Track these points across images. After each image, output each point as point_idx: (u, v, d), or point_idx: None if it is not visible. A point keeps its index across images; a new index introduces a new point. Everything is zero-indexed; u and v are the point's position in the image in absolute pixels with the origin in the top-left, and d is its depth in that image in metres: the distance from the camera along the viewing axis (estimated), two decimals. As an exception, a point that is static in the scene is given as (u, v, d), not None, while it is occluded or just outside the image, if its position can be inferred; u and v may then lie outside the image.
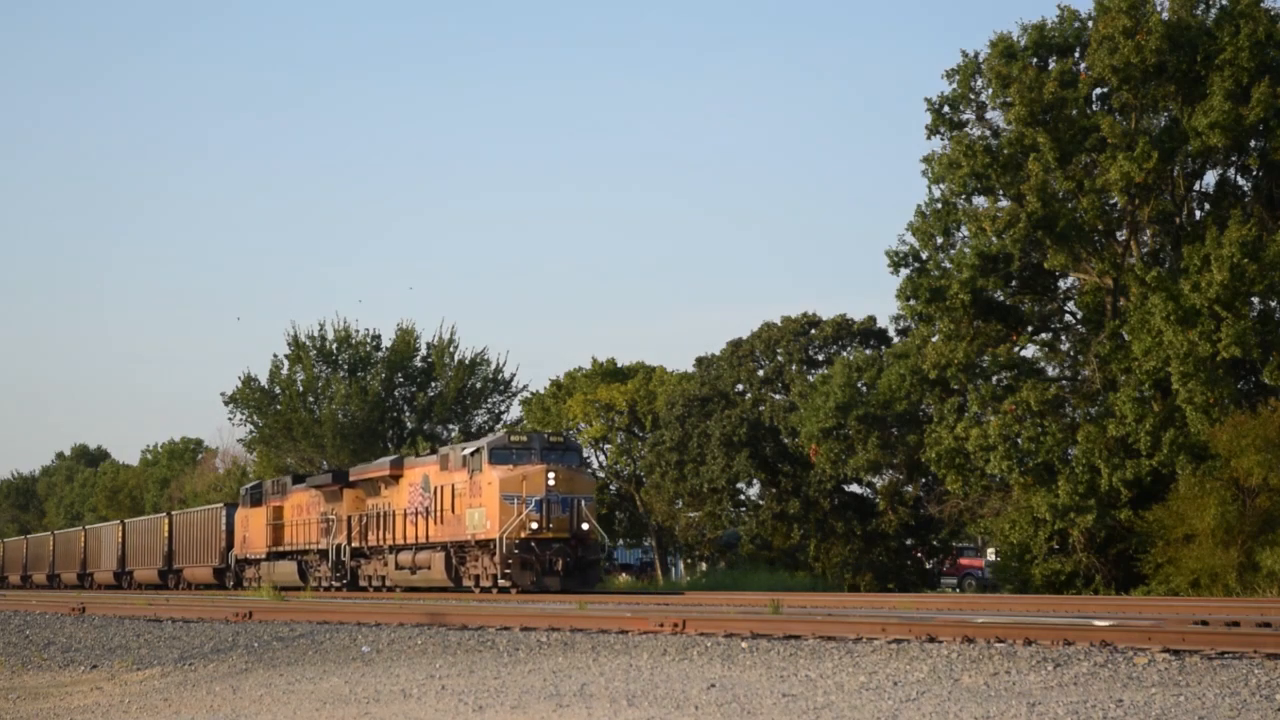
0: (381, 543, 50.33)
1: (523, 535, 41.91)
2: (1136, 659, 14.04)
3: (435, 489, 46.24)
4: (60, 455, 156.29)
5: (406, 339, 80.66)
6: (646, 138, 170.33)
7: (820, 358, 66.90)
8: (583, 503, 42.71)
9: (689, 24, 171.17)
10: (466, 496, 44.09)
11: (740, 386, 66.30)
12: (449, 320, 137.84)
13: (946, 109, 47.59)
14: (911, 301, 47.45)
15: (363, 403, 77.93)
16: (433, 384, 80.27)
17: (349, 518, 52.66)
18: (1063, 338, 50.15)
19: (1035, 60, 45.86)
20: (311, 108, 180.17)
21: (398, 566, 48.55)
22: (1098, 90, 45.85)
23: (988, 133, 47.32)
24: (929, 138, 48.00)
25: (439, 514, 45.93)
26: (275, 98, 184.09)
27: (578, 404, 73.03)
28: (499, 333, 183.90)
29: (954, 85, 47.45)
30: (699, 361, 71.77)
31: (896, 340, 60.25)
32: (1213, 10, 44.75)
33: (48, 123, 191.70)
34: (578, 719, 12.14)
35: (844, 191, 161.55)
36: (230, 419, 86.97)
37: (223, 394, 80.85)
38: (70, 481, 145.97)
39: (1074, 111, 45.03)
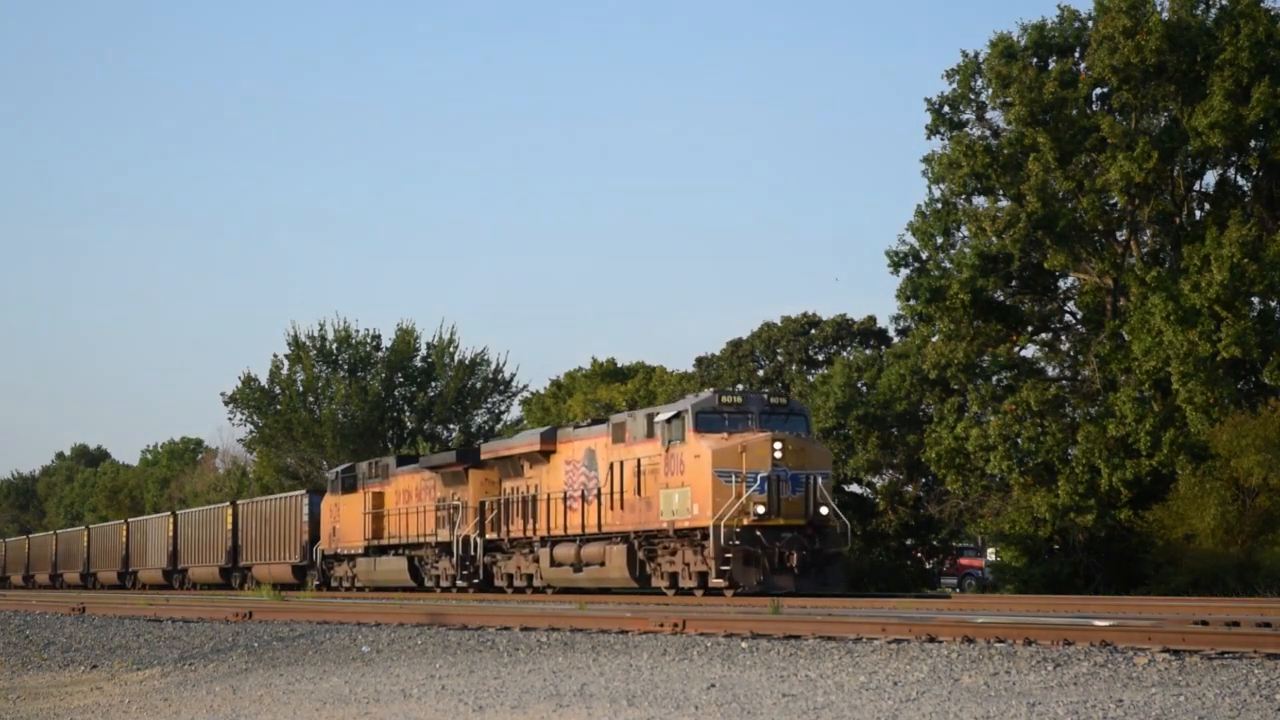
0: (528, 533, 42.43)
1: (745, 522, 33.99)
2: (1136, 659, 14.04)
3: (609, 466, 38.37)
4: (60, 455, 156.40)
5: (406, 339, 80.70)
6: (646, 137, 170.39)
7: (820, 358, 66.88)
8: (819, 480, 34.79)
9: (689, 24, 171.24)
10: (659, 474, 36.20)
11: (740, 386, 66.26)
12: (449, 320, 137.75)
13: (946, 109, 47.58)
14: (911, 301, 47.45)
15: (363, 403, 77.96)
16: (433, 384, 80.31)
17: (481, 503, 44.50)
18: (1063, 338, 50.15)
19: (1035, 60, 45.85)
20: (311, 106, 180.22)
21: (554, 563, 40.57)
22: (1098, 90, 45.84)
23: (988, 133, 47.32)
24: (929, 138, 48.03)
25: (616, 497, 37.96)
26: (275, 97, 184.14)
27: (578, 404, 73.03)
28: (499, 333, 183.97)
29: (954, 85, 47.44)
30: (699, 361, 71.77)
31: (896, 340, 60.22)
32: (1213, 10, 44.74)
33: (47, 120, 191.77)
34: (578, 719, 12.14)
35: (844, 191, 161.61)
36: (230, 419, 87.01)
37: (223, 394, 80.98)
38: (70, 481, 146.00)
39: (1074, 111, 45.02)
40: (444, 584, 46.86)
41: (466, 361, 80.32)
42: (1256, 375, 44.07)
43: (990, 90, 46.62)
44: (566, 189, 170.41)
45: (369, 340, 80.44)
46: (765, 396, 36.75)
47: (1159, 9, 44.32)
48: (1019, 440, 45.09)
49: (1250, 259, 41.22)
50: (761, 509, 34.17)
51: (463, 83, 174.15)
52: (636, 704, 12.60)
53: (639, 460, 37.13)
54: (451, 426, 79.91)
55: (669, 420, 36.10)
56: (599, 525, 38.70)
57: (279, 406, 79.00)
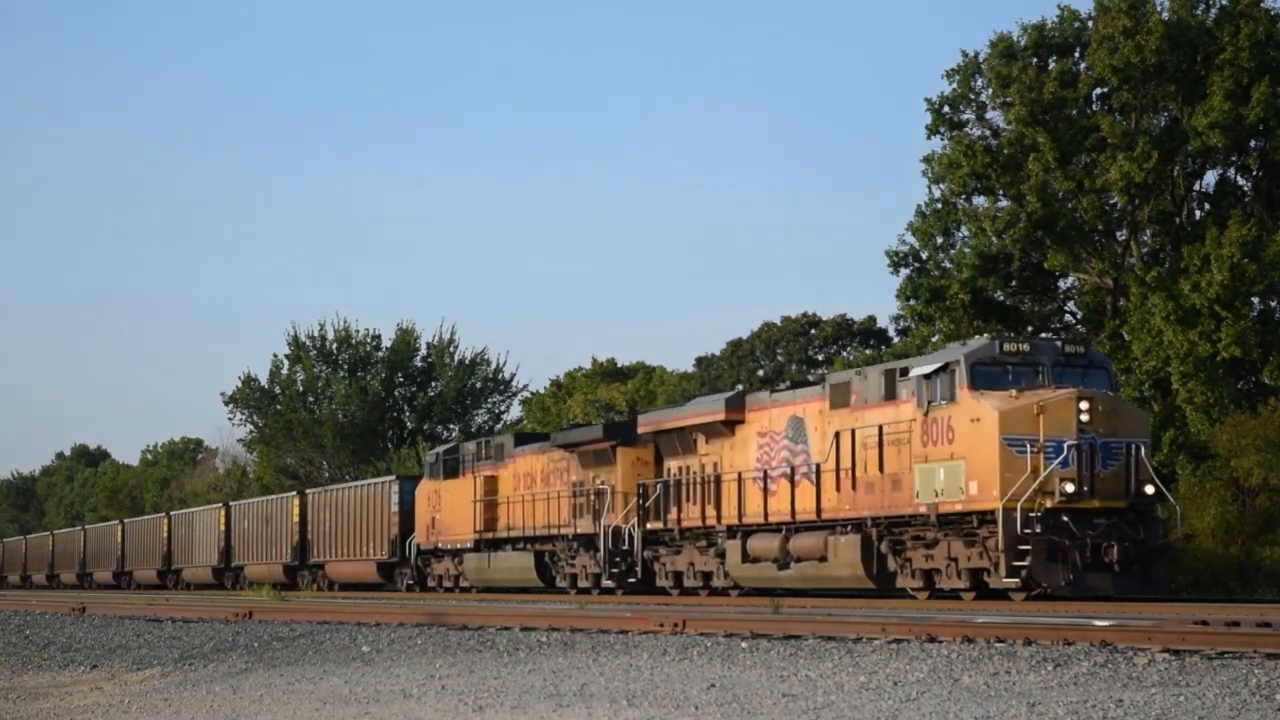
0: (708, 522, 35.54)
1: (1047, 505, 27.14)
2: (1136, 659, 14.04)
3: (830, 437, 31.46)
4: (60, 455, 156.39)
5: (406, 339, 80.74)
6: (646, 137, 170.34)
7: (820, 358, 66.92)
8: (1140, 450, 27.89)
9: (688, 23, 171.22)
10: (912, 444, 29.35)
11: (740, 386, 66.28)
12: (449, 320, 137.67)
13: (946, 109, 47.57)
14: (911, 301, 47.47)
15: (363, 403, 77.99)
16: (433, 384, 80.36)
17: (640, 487, 37.96)
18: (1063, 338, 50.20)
19: (1035, 60, 45.85)
20: (311, 106, 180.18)
21: (748, 558, 33.85)
22: (1098, 90, 45.83)
23: (988, 133, 47.32)
24: (929, 138, 48.00)
25: (843, 475, 31.13)
26: (274, 96, 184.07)
27: (578, 404, 73.04)
28: (499, 333, 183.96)
29: (954, 85, 47.45)
30: (699, 361, 71.84)
31: (896, 340, 60.24)
32: (1213, 10, 44.73)
33: (46, 122, 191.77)
34: (578, 719, 12.14)
35: (844, 191, 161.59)
36: (230, 419, 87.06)
37: (223, 394, 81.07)
38: (70, 481, 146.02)
39: (1074, 111, 45.02)
40: (583, 584, 40.33)
41: (466, 361, 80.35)
42: (1256, 375, 44.07)
43: (990, 90, 46.63)
44: (566, 188, 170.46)
45: (369, 340, 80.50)
46: (1058, 344, 29.44)
47: (1159, 9, 44.32)
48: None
49: (1250, 259, 41.22)
50: (1070, 487, 27.14)
51: (463, 82, 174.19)
52: (636, 704, 12.60)
53: (879, 428, 30.12)
54: (451, 426, 79.93)
55: (929, 376, 28.98)
56: (816, 511, 31.86)
57: (279, 407, 79.04)
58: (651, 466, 38.18)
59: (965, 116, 47.67)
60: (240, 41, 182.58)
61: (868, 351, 61.76)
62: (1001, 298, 48.10)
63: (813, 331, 67.51)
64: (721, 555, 35.02)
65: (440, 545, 47.44)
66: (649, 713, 12.13)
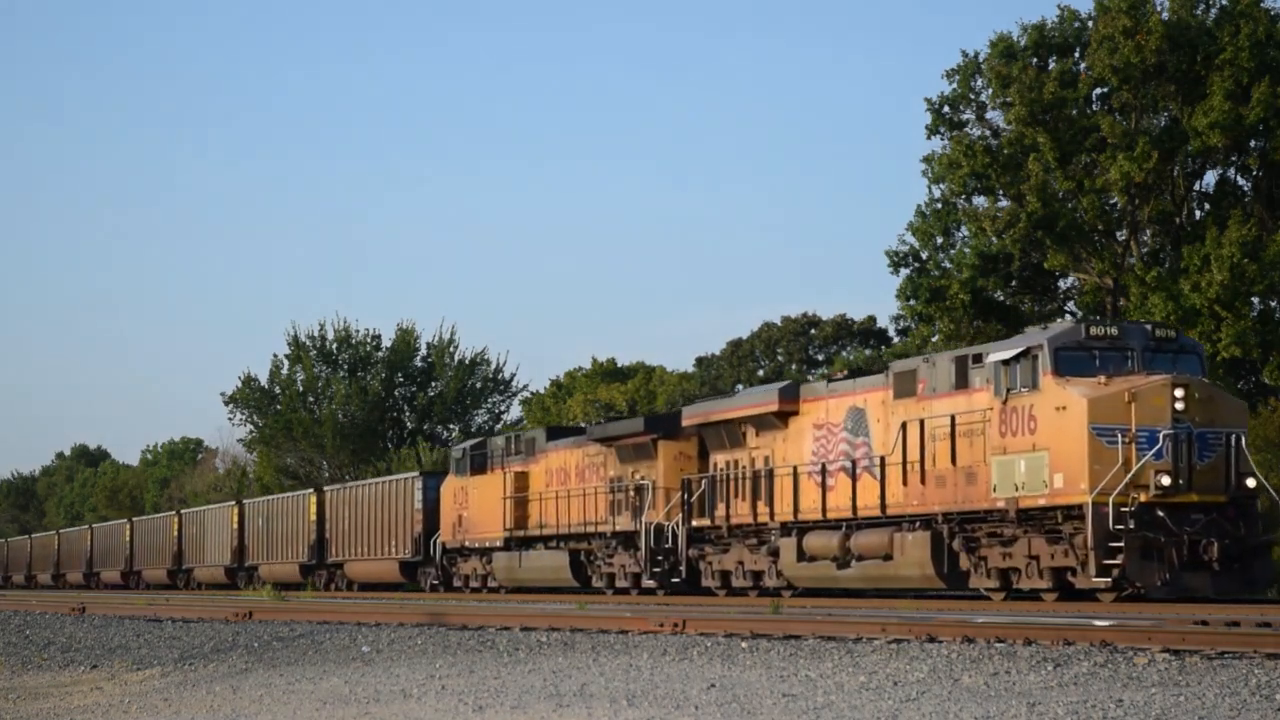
0: (759, 519, 33.74)
1: (1141, 499, 25.50)
2: (1136, 659, 14.04)
3: (896, 428, 29.68)
4: (60, 455, 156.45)
5: (406, 339, 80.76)
6: (646, 137, 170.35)
7: (820, 358, 66.96)
8: (1239, 440, 26.43)
9: (689, 22, 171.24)
10: (988, 434, 27.57)
11: (740, 386, 66.28)
12: (449, 320, 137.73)
13: (946, 109, 47.61)
14: (911, 301, 47.50)
15: (363, 403, 78.01)
16: (433, 384, 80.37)
17: (685, 482, 36.10)
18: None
19: (1035, 60, 45.87)
20: (311, 106, 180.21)
21: (803, 556, 32.05)
22: (1098, 90, 45.87)
23: (988, 133, 47.35)
24: (929, 138, 48.06)
25: (911, 468, 29.34)
26: (274, 96, 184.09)
27: (578, 404, 73.07)
28: (499, 333, 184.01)
29: (954, 85, 47.49)
30: (699, 361, 71.88)
31: (896, 340, 60.26)
32: (1213, 10, 44.77)
33: (46, 122, 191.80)
34: (578, 719, 12.14)
35: (844, 191, 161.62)
36: (230, 419, 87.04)
37: (223, 394, 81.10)
38: (70, 481, 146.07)
39: (1074, 111, 45.05)
40: (621, 583, 38.68)
41: (466, 361, 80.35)
42: (1256, 375, 44.09)
43: (990, 90, 46.67)
44: (567, 189, 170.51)
45: (369, 340, 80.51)
46: (1148, 328, 27.63)
47: (1159, 9, 44.35)
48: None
49: (1250, 259, 41.25)
50: (1166, 480, 25.44)
51: (463, 82, 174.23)
52: (636, 704, 12.60)
53: (951, 418, 28.32)
54: (451, 426, 79.95)
55: (1008, 361, 27.24)
56: (881, 507, 30.10)
57: (279, 407, 79.05)
58: (695, 461, 36.62)
59: (965, 116, 47.71)
60: (240, 42, 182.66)
61: (867, 352, 61.78)
62: (1001, 298, 48.12)
63: (813, 331, 67.55)
64: (774, 554, 33.14)
65: (467, 544, 45.77)
66: (649, 713, 12.13)
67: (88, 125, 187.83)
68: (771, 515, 33.26)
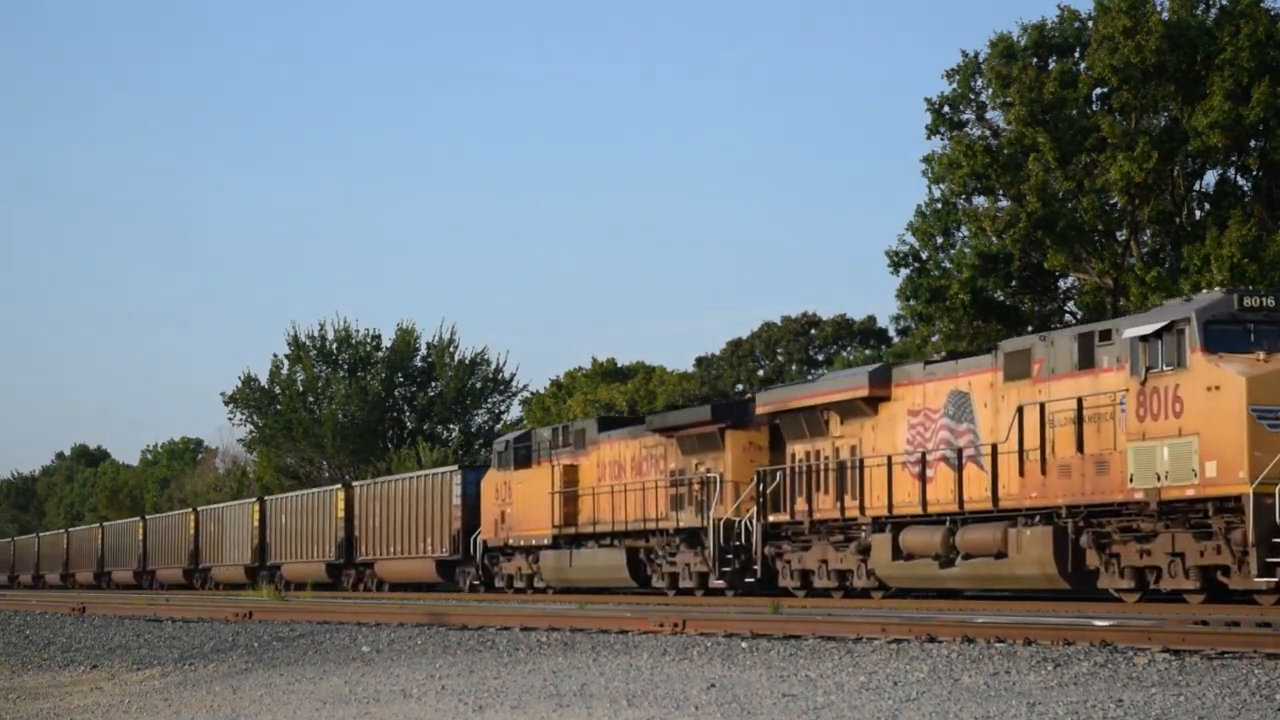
0: (847, 514, 31.27)
1: None
2: (1136, 659, 14.04)
3: (1012, 413, 27.02)
4: (60, 455, 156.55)
5: (406, 339, 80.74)
6: (646, 137, 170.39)
7: (820, 358, 66.97)
8: None
9: (688, 23, 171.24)
10: (1125, 418, 24.87)
11: (740, 386, 66.27)
12: (449, 320, 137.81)
13: (946, 109, 47.62)
14: (911, 301, 47.50)
15: (363, 403, 77.99)
16: (433, 384, 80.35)
17: (759, 473, 33.59)
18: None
19: (1035, 60, 45.88)
20: (312, 107, 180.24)
21: (900, 554, 29.53)
22: (1098, 90, 45.87)
23: (988, 133, 47.35)
24: (929, 138, 48.07)
25: (1028, 456, 26.71)
26: (273, 97, 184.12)
27: (578, 404, 73.10)
28: (499, 333, 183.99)
29: (954, 85, 47.49)
30: (699, 361, 71.89)
31: (896, 340, 60.27)
32: (1213, 10, 44.77)
33: (46, 122, 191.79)
34: (578, 719, 12.14)
35: (844, 191, 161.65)
36: (230, 419, 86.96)
37: (223, 394, 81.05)
38: (70, 481, 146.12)
39: (1074, 111, 45.05)
40: (686, 583, 36.25)
41: (466, 361, 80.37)
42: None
43: (990, 90, 46.67)
44: (566, 189, 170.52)
45: (369, 340, 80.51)
46: None
47: (1159, 9, 44.35)
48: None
49: (1250, 259, 41.24)
50: None
51: (463, 82, 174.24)
52: (636, 704, 12.60)
53: (1078, 401, 25.76)
54: (451, 426, 79.96)
55: (1147, 338, 24.63)
56: (992, 499, 27.62)
57: (279, 407, 79.04)
58: (765, 452, 34.45)
59: (965, 116, 47.72)
60: (240, 42, 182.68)
61: (867, 351, 61.77)
62: (1001, 298, 48.13)
63: (813, 331, 67.58)
64: (864, 551, 30.70)
65: (511, 541, 43.31)
66: (649, 713, 12.13)
67: (88, 126, 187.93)
68: (862, 510, 30.74)
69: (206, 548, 68.29)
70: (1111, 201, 45.54)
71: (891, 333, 62.42)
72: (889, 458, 29.98)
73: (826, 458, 31.92)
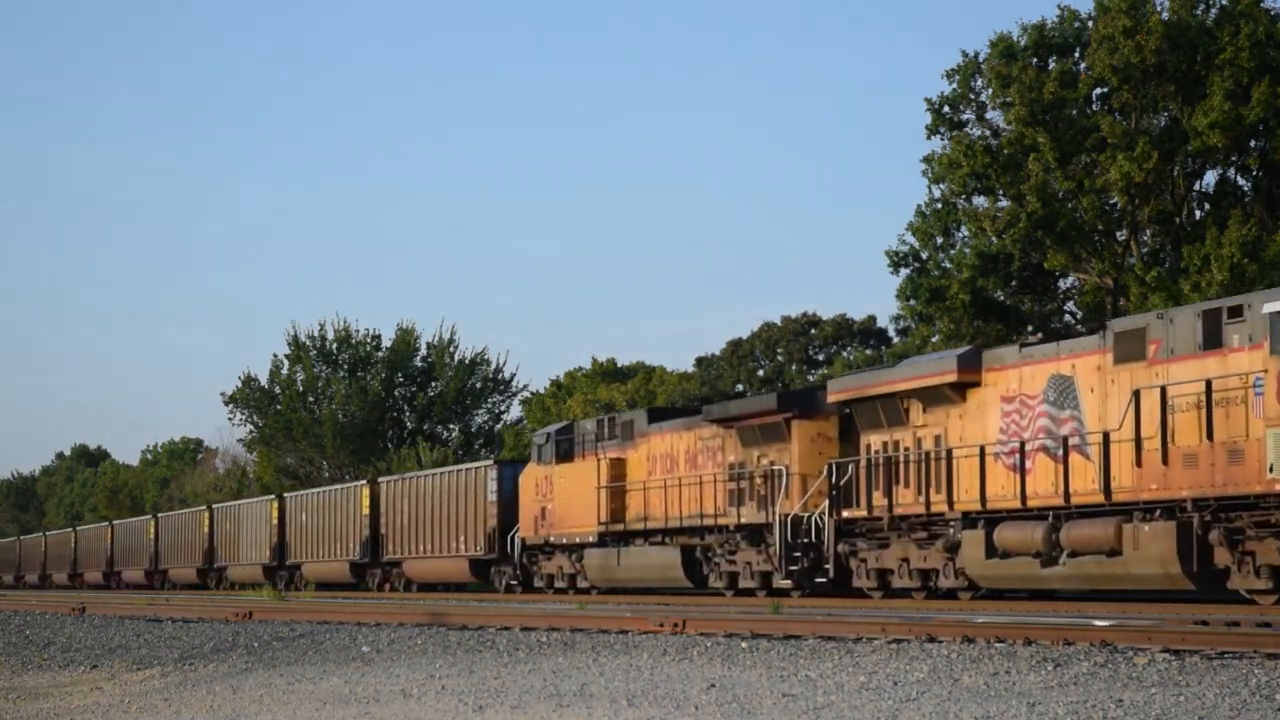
0: (934, 508, 29.20)
1: None
2: (1136, 659, 14.03)
3: (1128, 397, 24.88)
4: (60, 455, 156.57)
5: (406, 339, 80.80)
6: (646, 137, 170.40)
7: (820, 358, 66.96)
8: None
9: (688, 24, 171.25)
10: (1263, 402, 22.83)
11: (740, 386, 66.26)
12: (449, 320, 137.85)
13: (946, 109, 47.61)
14: (911, 301, 47.51)
15: (363, 403, 78.03)
16: (433, 384, 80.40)
17: (830, 466, 31.65)
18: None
19: (1035, 60, 45.88)
20: (312, 107, 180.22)
21: (994, 552, 27.42)
22: (1098, 90, 45.87)
23: (988, 133, 47.35)
24: (929, 138, 48.06)
25: (1146, 445, 24.54)
26: (273, 97, 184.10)
27: (578, 404, 73.08)
28: (499, 333, 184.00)
29: (954, 85, 47.49)
30: (699, 361, 71.86)
31: (896, 340, 60.26)
32: (1213, 10, 44.76)
33: (45, 122, 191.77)
34: (578, 719, 12.14)
35: (844, 191, 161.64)
36: (230, 419, 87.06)
37: (223, 394, 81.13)
38: (70, 481, 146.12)
39: (1074, 111, 45.05)
40: (747, 583, 34.23)
41: (466, 361, 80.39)
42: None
43: (990, 90, 46.67)
44: (566, 189, 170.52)
45: (369, 340, 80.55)
46: None
47: (1159, 9, 44.34)
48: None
49: (1250, 259, 41.23)
50: None
51: (464, 82, 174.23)
52: (636, 704, 12.60)
53: (1206, 384, 23.59)
54: (451, 426, 80.00)
55: None
56: (1105, 492, 25.49)
57: (279, 407, 79.06)
58: (834, 443, 32.63)
59: (965, 116, 47.72)
60: (240, 42, 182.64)
61: (868, 351, 61.76)
62: (1001, 298, 48.14)
63: (813, 331, 67.56)
64: (952, 549, 28.65)
65: (552, 539, 41.36)
66: (649, 713, 12.13)
67: (88, 126, 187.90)
68: (950, 504, 28.62)
69: (221, 547, 66.60)
70: (1111, 201, 45.53)
71: (891, 333, 62.41)
72: (981, 448, 27.91)
73: (907, 449, 29.94)
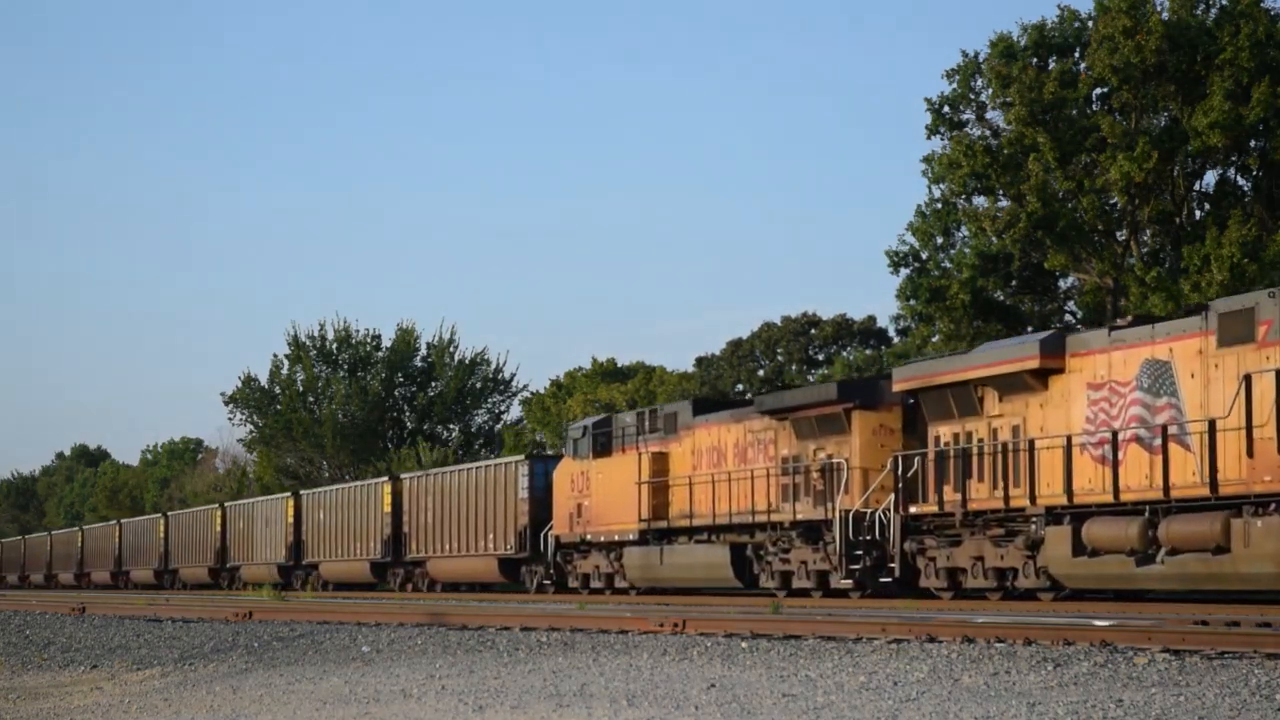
0: (1013, 503, 27.30)
1: None
2: (1136, 659, 14.03)
3: (1235, 383, 23.10)
4: (60, 455, 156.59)
5: (406, 339, 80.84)
6: (646, 137, 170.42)
7: (820, 358, 66.96)
8: None
9: (688, 23, 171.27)
10: None
11: (740, 386, 66.25)
12: (449, 320, 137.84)
13: (946, 109, 47.65)
14: (911, 301, 47.54)
15: (363, 403, 78.06)
16: (433, 384, 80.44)
17: (897, 459, 29.65)
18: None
19: (1035, 60, 45.90)
20: (312, 107, 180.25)
21: (1082, 550, 25.48)
22: (1098, 90, 45.89)
23: (988, 133, 47.37)
24: (929, 138, 48.11)
25: (1265, 435, 22.45)
26: (273, 96, 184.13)
27: (578, 404, 73.09)
28: (499, 333, 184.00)
29: (954, 85, 47.52)
30: (699, 361, 71.85)
31: (896, 340, 60.27)
32: (1213, 10, 44.79)
33: (45, 122, 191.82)
34: (578, 719, 12.14)
35: (844, 191, 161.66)
36: (230, 419, 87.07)
37: (223, 394, 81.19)
38: (70, 481, 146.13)
39: (1074, 111, 45.07)
40: (801, 583, 32.36)
41: (466, 361, 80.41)
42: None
43: (990, 90, 46.70)
44: (566, 189, 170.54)
45: (369, 340, 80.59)
46: None
47: (1159, 9, 44.37)
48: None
49: (1250, 259, 41.26)
50: None
51: (463, 82, 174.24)
52: (636, 704, 12.59)
53: None
54: (451, 426, 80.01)
55: None
56: (1210, 485, 23.47)
57: (279, 407, 79.09)
58: (897, 435, 30.83)
59: (965, 116, 47.75)
60: (240, 42, 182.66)
61: (868, 352, 61.76)
62: (1001, 298, 48.17)
63: (813, 331, 67.56)
64: (1034, 547, 26.81)
65: (589, 537, 39.53)
66: (649, 713, 12.13)
67: (88, 126, 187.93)
68: (1032, 499, 26.74)
69: (235, 546, 64.90)
70: (1111, 201, 45.55)
71: (891, 333, 62.43)
72: (1068, 438, 25.95)
73: (981, 440, 28.02)
